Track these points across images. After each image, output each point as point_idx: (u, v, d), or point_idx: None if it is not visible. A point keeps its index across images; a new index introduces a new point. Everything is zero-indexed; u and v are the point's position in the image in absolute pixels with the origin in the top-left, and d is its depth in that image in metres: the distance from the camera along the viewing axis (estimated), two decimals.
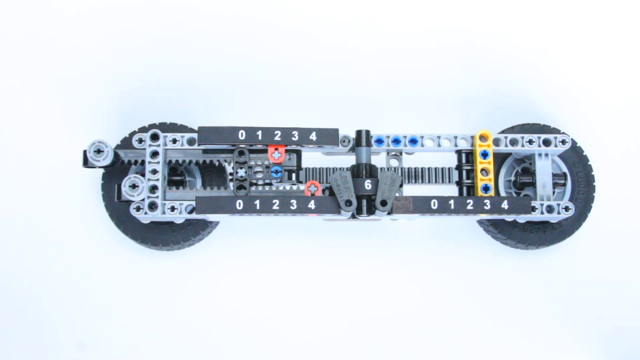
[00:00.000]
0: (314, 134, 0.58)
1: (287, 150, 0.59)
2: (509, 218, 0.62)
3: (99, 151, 0.58)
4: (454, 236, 0.66)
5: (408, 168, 0.61)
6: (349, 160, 0.61)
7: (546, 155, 0.62)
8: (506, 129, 0.65)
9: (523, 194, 0.63)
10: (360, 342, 0.64)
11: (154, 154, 0.58)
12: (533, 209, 0.59)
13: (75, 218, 0.65)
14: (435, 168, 0.61)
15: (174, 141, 0.59)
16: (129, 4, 0.70)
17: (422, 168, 0.61)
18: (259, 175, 0.59)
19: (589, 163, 0.64)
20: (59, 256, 0.64)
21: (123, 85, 0.68)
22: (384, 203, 0.56)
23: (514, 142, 0.61)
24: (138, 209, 0.58)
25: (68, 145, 0.65)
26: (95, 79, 0.68)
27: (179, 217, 0.59)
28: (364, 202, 0.56)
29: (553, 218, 0.61)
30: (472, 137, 0.60)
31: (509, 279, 0.66)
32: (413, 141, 0.60)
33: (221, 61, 0.69)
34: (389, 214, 0.57)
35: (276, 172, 0.58)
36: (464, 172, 0.61)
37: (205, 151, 0.60)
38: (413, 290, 0.65)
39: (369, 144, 0.59)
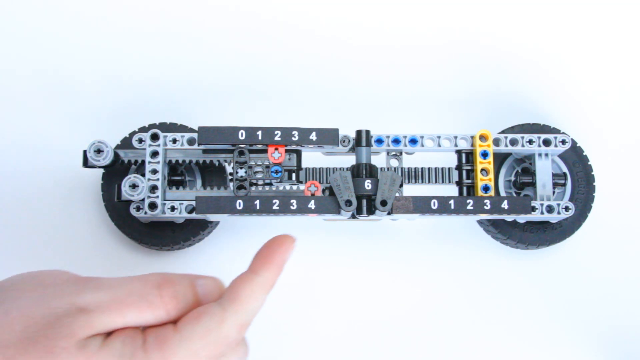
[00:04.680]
0: (314, 134, 0.58)
1: (287, 150, 0.59)
2: (509, 218, 0.62)
3: (99, 151, 0.58)
4: (454, 236, 0.66)
5: (408, 168, 0.61)
6: (349, 160, 0.61)
7: (546, 155, 0.62)
8: (506, 129, 0.65)
9: (523, 194, 0.63)
10: (360, 342, 0.64)
11: (154, 154, 0.58)
12: (533, 209, 0.59)
13: (75, 218, 0.65)
14: (435, 168, 0.61)
15: (174, 141, 0.59)
16: (129, 4, 0.70)
17: (422, 168, 0.61)
18: (259, 175, 0.59)
19: (589, 163, 0.64)
20: (59, 256, 0.64)
21: (123, 85, 0.68)
22: (384, 203, 0.56)
23: (514, 142, 0.61)
24: (138, 209, 0.58)
25: (68, 145, 0.65)
26: (95, 79, 0.68)
27: (179, 217, 0.59)
28: (364, 202, 0.56)
29: (553, 218, 0.61)
30: (472, 137, 0.60)
31: (509, 279, 0.66)
32: (413, 141, 0.60)
33: (221, 61, 0.69)
34: (389, 214, 0.57)
35: (276, 172, 0.58)
36: (464, 172, 0.61)
37: (205, 151, 0.60)
38: (413, 290, 0.65)
39: (369, 144, 0.59)
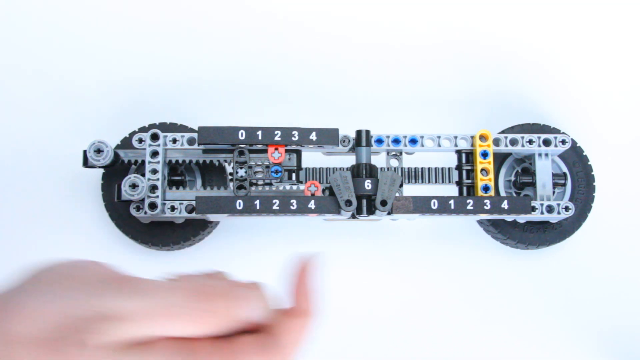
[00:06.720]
0: (314, 134, 0.58)
1: (287, 150, 0.59)
2: (509, 218, 0.62)
3: (99, 151, 0.58)
4: (454, 236, 0.66)
5: (408, 168, 0.61)
6: (349, 160, 0.61)
7: (546, 155, 0.62)
8: (506, 129, 0.65)
9: (523, 194, 0.63)
10: (359, 342, 0.64)
11: (154, 154, 0.58)
12: (533, 209, 0.59)
13: (75, 218, 0.65)
14: (435, 168, 0.61)
15: (174, 141, 0.59)
16: (129, 3, 0.70)
17: (422, 168, 0.61)
18: (259, 175, 0.59)
19: (589, 163, 0.65)
20: (59, 256, 0.64)
21: (123, 85, 0.68)
22: (384, 203, 0.56)
23: (514, 142, 0.61)
24: (138, 208, 0.58)
25: (68, 145, 0.65)
26: (95, 78, 0.68)
27: (179, 217, 0.59)
28: (364, 202, 0.56)
29: (553, 218, 0.61)
30: (472, 137, 0.60)
31: (509, 279, 0.66)
32: (413, 141, 0.60)
33: (221, 61, 0.69)
34: (389, 214, 0.57)
35: (276, 172, 0.58)
36: (464, 172, 0.61)
37: (205, 151, 0.60)
38: (413, 290, 0.65)
39: (369, 144, 0.59)
